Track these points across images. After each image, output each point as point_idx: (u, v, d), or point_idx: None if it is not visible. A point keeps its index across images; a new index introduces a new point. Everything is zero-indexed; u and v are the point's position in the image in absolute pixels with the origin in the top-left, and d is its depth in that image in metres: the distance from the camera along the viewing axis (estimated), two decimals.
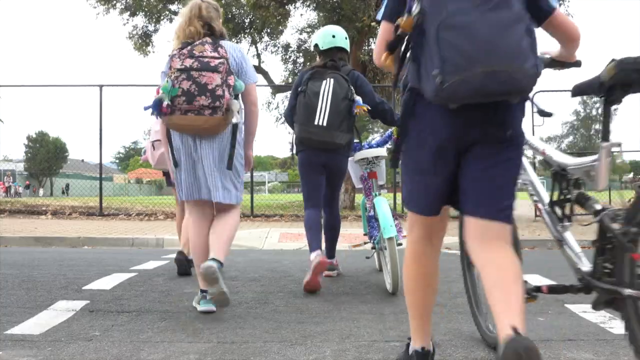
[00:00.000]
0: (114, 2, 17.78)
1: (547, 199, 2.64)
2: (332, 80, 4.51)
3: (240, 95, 3.76)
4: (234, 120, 3.62)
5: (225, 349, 2.79)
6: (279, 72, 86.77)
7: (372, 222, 4.92)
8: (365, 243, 5.30)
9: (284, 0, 16.20)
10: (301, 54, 19.25)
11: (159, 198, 24.74)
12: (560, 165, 2.54)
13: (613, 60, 2.18)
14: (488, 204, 2.03)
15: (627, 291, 2.09)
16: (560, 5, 15.36)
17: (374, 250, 5.14)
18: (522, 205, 15.69)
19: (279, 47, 19.51)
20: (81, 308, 3.64)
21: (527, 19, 1.88)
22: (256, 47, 19.27)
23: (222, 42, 3.67)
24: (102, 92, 12.85)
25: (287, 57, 19.51)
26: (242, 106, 3.83)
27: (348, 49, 5.00)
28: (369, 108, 3.82)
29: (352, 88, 4.53)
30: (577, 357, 2.68)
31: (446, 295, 4.17)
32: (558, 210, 2.57)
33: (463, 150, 2.02)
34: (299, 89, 4.61)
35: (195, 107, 3.41)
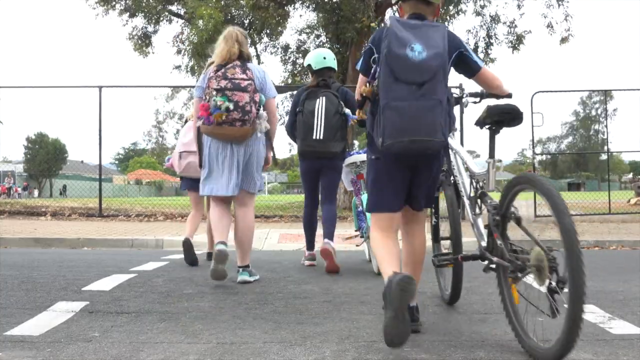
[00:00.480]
0: (114, 3, 17.78)
1: (469, 194, 3.53)
2: (324, 98, 5.45)
3: (262, 106, 4.64)
4: (263, 129, 4.64)
5: (225, 350, 2.79)
6: (278, 72, 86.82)
7: (360, 217, 5.70)
8: (356, 236, 6.11)
9: (283, 1, 16.22)
10: (300, 55, 19.23)
11: (159, 199, 24.74)
12: (473, 173, 3.46)
13: (487, 106, 3.20)
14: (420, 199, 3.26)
15: (495, 259, 3.05)
16: (559, 5, 15.38)
17: (362, 239, 5.90)
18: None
19: (278, 48, 19.50)
20: (80, 309, 3.64)
21: (445, 103, 2.92)
22: (255, 48, 19.24)
23: (249, 65, 4.59)
24: (102, 93, 12.86)
25: (287, 57, 19.50)
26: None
27: (336, 68, 5.88)
28: (358, 120, 4.07)
29: (341, 103, 5.43)
30: (576, 357, 2.68)
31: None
32: (474, 203, 3.41)
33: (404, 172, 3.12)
34: (297, 109, 5.57)
35: (229, 120, 4.35)
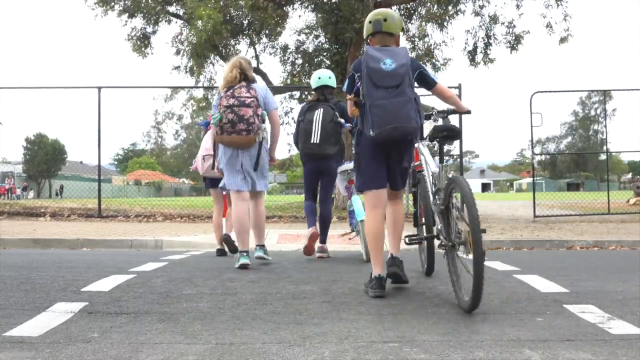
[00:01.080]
0: (112, 3, 17.78)
1: (431, 189, 4.40)
2: (321, 109, 6.55)
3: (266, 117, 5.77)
4: (262, 137, 5.66)
5: (224, 350, 2.79)
6: (277, 73, 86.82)
7: (351, 214, 6.85)
8: (351, 232, 7.18)
9: (282, 2, 16.21)
10: (299, 55, 19.23)
11: (158, 199, 24.73)
12: (433, 171, 4.44)
13: (434, 126, 4.40)
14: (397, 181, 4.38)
15: (442, 237, 4.05)
16: (558, 5, 15.38)
17: (354, 233, 7.03)
18: (523, 206, 15.76)
19: (277, 49, 19.48)
20: (80, 310, 3.64)
21: (414, 99, 3.96)
22: (254, 49, 19.26)
23: (253, 85, 5.70)
24: (101, 93, 12.86)
25: (286, 58, 19.49)
26: (267, 126, 5.83)
27: (333, 85, 6.90)
28: (351, 127, 5.29)
29: (336, 113, 6.51)
30: (576, 357, 2.68)
31: (445, 295, 4.18)
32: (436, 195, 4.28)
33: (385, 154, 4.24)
34: (300, 119, 6.70)
35: (236, 130, 5.45)
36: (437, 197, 4.22)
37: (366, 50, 4.22)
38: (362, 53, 16.16)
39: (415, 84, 4.22)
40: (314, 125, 6.49)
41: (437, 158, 4.50)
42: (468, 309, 3.57)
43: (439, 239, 4.18)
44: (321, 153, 6.50)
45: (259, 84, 5.92)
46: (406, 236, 4.56)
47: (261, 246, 6.01)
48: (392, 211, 4.51)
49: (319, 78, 6.86)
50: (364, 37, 4.58)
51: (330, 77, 6.93)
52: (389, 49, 4.19)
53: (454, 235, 3.86)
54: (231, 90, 5.55)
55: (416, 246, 5.62)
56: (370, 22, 4.46)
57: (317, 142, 6.47)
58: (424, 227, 4.86)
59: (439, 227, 4.15)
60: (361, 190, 4.42)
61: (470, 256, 3.53)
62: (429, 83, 4.35)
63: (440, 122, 4.59)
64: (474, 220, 3.46)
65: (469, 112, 4.56)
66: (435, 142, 4.43)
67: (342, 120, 6.48)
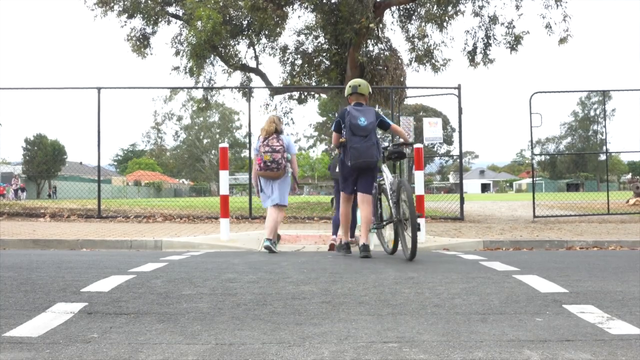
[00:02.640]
0: (112, 4, 17.76)
1: (390, 190, 6.88)
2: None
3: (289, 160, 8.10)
4: (289, 172, 8.14)
5: (224, 351, 2.80)
6: (277, 73, 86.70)
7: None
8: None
9: (281, 2, 16.22)
10: (299, 56, 19.23)
11: (158, 200, 24.72)
12: (390, 180, 6.95)
13: (386, 149, 7.11)
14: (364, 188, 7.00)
15: (395, 219, 6.73)
16: (558, 6, 15.39)
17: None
18: (523, 207, 15.74)
19: (276, 49, 19.47)
20: (79, 310, 3.64)
21: (376, 142, 6.75)
22: (254, 49, 19.25)
23: (281, 136, 8.02)
24: (101, 94, 12.86)
25: (285, 59, 19.48)
26: (290, 163, 8.14)
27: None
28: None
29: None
30: (575, 357, 2.68)
31: (444, 295, 4.18)
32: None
33: (357, 175, 6.97)
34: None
35: (270, 168, 7.89)
36: (392, 194, 6.82)
37: (349, 109, 6.88)
38: (360, 54, 16.24)
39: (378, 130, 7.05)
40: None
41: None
42: (409, 258, 6.32)
43: (392, 221, 6.87)
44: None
45: (285, 134, 8.15)
46: (374, 223, 7.36)
47: (269, 239, 7.87)
48: (364, 213, 6.97)
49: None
50: (345, 95, 7.24)
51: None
52: (363, 109, 6.86)
53: (402, 215, 6.60)
54: (266, 140, 7.93)
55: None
56: (350, 86, 7.08)
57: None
58: (380, 218, 7.52)
59: (394, 212, 6.76)
60: (343, 190, 7.23)
61: (408, 231, 6.33)
62: (385, 126, 7.13)
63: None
64: (411, 205, 6.36)
65: (412, 143, 7.56)
66: (391, 160, 7.20)
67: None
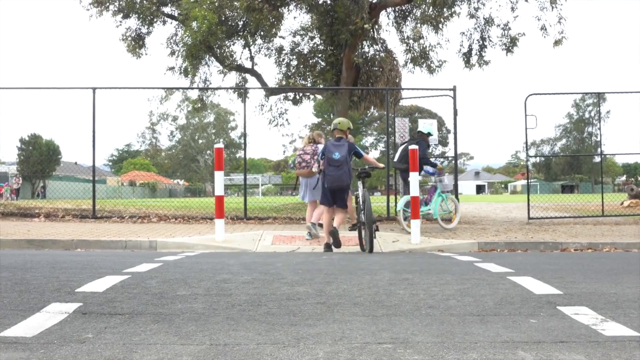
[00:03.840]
0: (107, 4, 17.73)
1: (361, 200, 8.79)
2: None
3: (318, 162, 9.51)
4: (316, 171, 9.63)
5: (218, 351, 2.80)
6: (272, 74, 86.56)
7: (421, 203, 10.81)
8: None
9: (277, 3, 16.21)
10: (294, 57, 19.22)
11: (153, 200, 24.66)
12: (362, 194, 8.76)
13: (358, 170, 9.03)
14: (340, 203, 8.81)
15: (362, 221, 8.58)
16: (553, 8, 15.43)
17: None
18: (518, 208, 15.75)
19: (272, 50, 19.46)
20: (74, 310, 3.63)
21: (347, 170, 8.50)
22: (249, 50, 19.22)
23: (317, 145, 9.86)
24: (96, 94, 12.85)
25: (281, 59, 19.46)
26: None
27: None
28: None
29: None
30: (569, 359, 2.69)
31: (439, 296, 4.19)
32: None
33: (334, 193, 8.73)
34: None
35: (303, 167, 9.98)
36: (362, 204, 8.56)
37: (328, 144, 8.76)
38: (356, 55, 16.25)
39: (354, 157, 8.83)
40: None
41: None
42: (368, 251, 8.14)
43: (360, 223, 8.65)
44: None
45: (320, 145, 9.81)
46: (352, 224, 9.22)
47: (313, 223, 9.65)
48: (336, 220, 8.74)
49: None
50: (331, 129, 9.13)
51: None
52: (339, 144, 8.61)
53: (364, 219, 8.38)
54: (304, 149, 10.10)
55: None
56: (333, 124, 9.16)
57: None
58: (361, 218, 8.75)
59: (358, 217, 8.73)
60: (322, 204, 8.99)
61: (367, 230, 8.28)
62: (359, 156, 8.86)
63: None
64: (368, 212, 8.28)
65: (383, 167, 10.75)
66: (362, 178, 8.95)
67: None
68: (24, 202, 18.49)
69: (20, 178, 38.96)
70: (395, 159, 11.90)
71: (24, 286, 4.49)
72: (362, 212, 8.47)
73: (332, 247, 8.57)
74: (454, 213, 11.83)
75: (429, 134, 11.90)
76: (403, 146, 11.78)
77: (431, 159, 11.87)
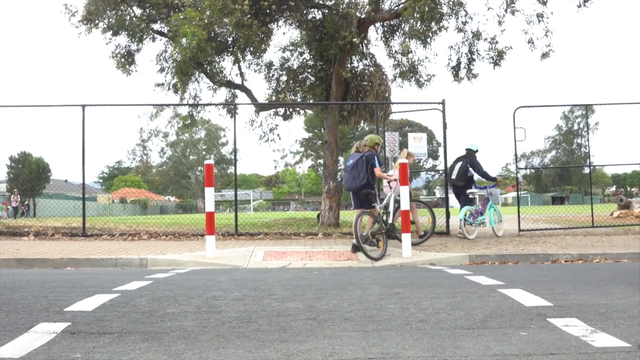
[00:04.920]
0: (97, 21, 17.73)
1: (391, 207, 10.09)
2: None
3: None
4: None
5: None
6: (262, 90, 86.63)
7: (475, 215, 12.69)
8: (471, 224, 12.63)
9: (266, 19, 16.26)
10: (284, 72, 19.26)
11: (143, 217, 24.58)
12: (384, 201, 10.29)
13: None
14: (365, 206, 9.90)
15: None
16: (540, 21, 15.55)
17: (472, 225, 12.62)
18: (508, 220, 15.68)
19: (262, 66, 19.48)
20: (62, 330, 3.61)
21: (358, 176, 9.77)
22: (239, 66, 19.23)
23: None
24: (85, 111, 12.83)
25: (270, 75, 19.47)
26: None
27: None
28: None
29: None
30: None
31: (429, 310, 4.18)
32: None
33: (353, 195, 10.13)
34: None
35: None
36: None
37: (350, 155, 10.22)
38: (345, 70, 16.30)
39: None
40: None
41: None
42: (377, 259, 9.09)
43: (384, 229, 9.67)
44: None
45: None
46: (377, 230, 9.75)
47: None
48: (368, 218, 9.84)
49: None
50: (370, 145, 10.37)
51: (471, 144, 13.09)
52: (356, 154, 10.05)
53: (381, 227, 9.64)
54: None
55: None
56: (364, 139, 10.57)
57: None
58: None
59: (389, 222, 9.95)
60: (355, 207, 10.26)
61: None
62: (371, 165, 9.77)
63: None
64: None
65: (395, 180, 10.42)
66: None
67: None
68: (13, 221, 18.38)
69: (18, 196, 38.77)
70: (453, 176, 12.87)
71: (12, 306, 4.46)
72: (383, 220, 9.79)
73: (359, 249, 9.25)
74: (500, 222, 13.19)
75: (477, 151, 13.05)
76: (459, 164, 12.78)
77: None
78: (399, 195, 9.89)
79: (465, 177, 12.68)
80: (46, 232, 13.19)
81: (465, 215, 12.38)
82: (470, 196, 12.77)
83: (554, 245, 10.55)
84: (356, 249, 9.40)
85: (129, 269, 8.46)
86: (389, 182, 10.85)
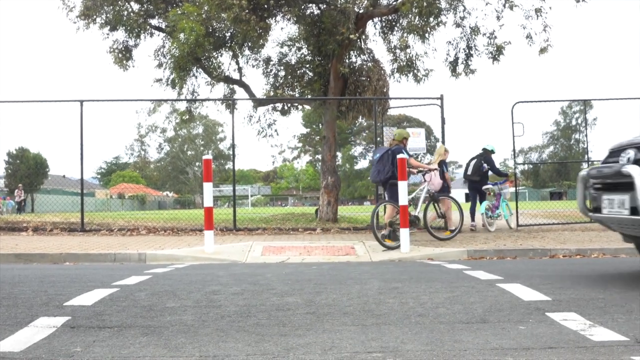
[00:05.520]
0: (94, 17, 17.70)
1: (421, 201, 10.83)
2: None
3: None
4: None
5: None
6: (260, 85, 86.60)
7: (492, 210, 13.51)
8: (489, 217, 13.58)
9: (264, 15, 16.24)
10: (282, 68, 19.26)
11: (142, 213, 24.58)
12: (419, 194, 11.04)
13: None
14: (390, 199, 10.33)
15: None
16: (538, 16, 15.55)
17: (490, 218, 13.52)
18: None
19: (260, 61, 19.47)
20: (62, 324, 3.61)
21: (383, 169, 10.17)
22: (237, 62, 19.20)
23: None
24: (83, 107, 12.82)
25: (268, 70, 19.49)
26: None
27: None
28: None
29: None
30: None
31: (428, 305, 4.19)
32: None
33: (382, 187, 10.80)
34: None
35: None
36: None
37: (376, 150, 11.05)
38: (343, 65, 16.30)
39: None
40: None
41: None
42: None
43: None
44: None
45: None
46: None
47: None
48: (387, 211, 10.45)
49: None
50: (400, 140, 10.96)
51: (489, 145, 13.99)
52: (382, 148, 10.63)
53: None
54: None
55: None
56: (394, 134, 11.43)
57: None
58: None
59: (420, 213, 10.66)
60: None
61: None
62: (394, 160, 9.88)
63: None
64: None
65: (436, 169, 11.69)
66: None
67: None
68: (12, 216, 18.38)
69: (22, 191, 38.71)
70: (469, 172, 13.89)
71: (11, 301, 4.46)
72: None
73: (386, 238, 9.76)
74: (511, 216, 14.10)
75: (492, 151, 13.95)
76: (474, 161, 13.80)
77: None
78: (431, 189, 10.97)
79: (480, 173, 13.67)
80: (45, 227, 13.19)
81: (485, 209, 13.41)
82: (486, 191, 13.70)
83: (552, 240, 10.57)
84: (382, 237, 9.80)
85: (128, 264, 8.47)
86: (423, 175, 11.07)
